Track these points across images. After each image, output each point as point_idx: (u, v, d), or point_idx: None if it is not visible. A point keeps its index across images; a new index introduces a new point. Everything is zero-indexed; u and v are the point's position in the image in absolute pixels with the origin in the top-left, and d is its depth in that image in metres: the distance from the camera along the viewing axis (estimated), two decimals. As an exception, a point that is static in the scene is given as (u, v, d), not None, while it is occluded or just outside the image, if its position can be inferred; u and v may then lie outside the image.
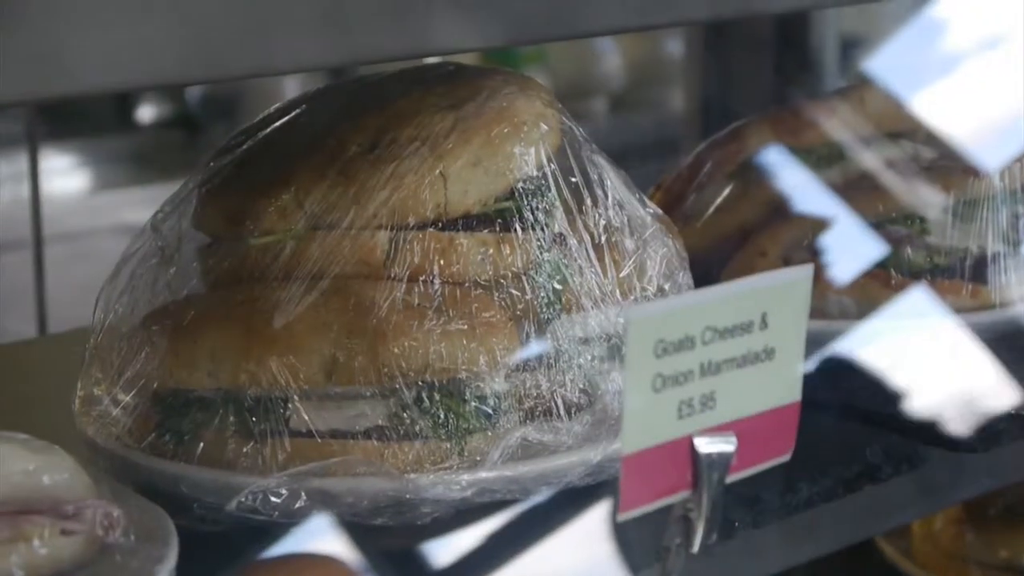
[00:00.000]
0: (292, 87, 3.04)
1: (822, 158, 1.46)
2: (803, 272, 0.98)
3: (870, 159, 1.45)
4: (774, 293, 0.96)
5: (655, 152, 3.43)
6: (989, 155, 1.44)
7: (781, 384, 0.97)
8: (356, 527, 1.06)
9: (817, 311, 1.01)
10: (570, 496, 1.07)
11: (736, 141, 1.47)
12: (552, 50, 3.72)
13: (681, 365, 0.92)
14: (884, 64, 1.61)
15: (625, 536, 1.05)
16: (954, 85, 1.59)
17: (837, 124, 1.46)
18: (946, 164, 1.43)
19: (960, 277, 1.38)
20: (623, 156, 1.21)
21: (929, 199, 1.41)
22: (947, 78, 1.61)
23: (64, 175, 3.00)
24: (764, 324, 0.95)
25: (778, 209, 1.42)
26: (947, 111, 1.57)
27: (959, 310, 1.38)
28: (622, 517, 0.93)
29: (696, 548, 0.95)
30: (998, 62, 1.57)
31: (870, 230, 1.41)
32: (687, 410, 0.93)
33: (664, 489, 0.94)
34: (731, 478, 0.95)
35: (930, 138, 1.48)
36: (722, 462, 0.94)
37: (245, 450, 1.06)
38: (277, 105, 1.23)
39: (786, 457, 0.99)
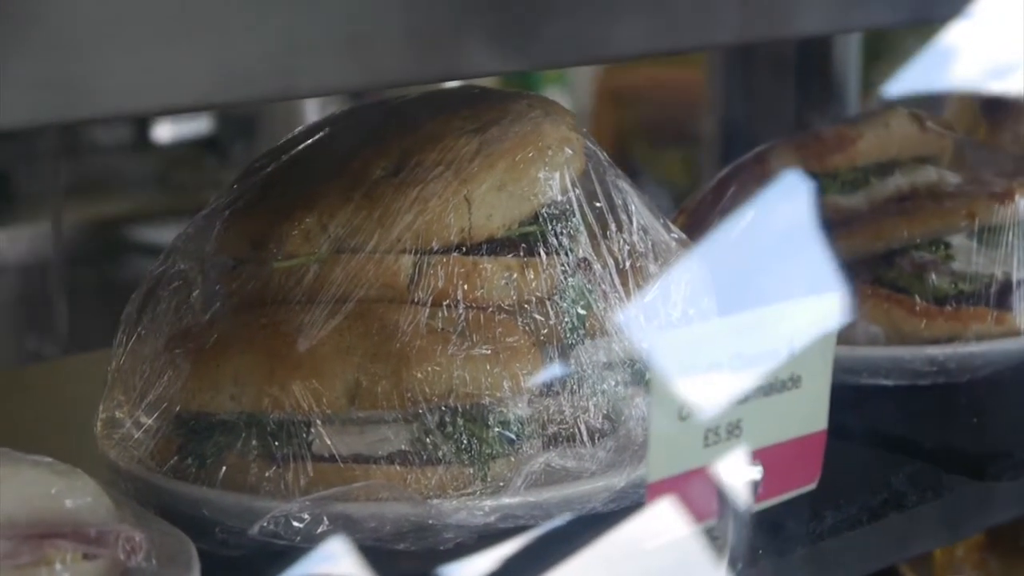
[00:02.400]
0: (312, 109, 3.04)
1: (846, 183, 1.45)
2: (830, 300, 0.97)
3: (894, 184, 1.45)
4: (801, 321, 0.95)
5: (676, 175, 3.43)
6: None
7: (808, 412, 0.96)
8: (377, 551, 1.05)
9: (842, 338, 1.00)
10: (592, 522, 1.07)
11: (760, 165, 1.46)
12: (573, 73, 3.72)
13: (707, 393, 0.92)
14: (907, 88, 1.60)
15: (649, 563, 1.05)
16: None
17: (862, 149, 1.45)
18: (971, 189, 1.43)
19: (985, 304, 1.38)
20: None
21: (954, 225, 1.40)
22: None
23: (86, 194, 3.00)
24: (791, 352, 0.95)
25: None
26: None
27: (984, 337, 1.37)
28: (648, 545, 0.93)
29: (722, 577, 0.95)
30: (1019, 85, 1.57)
31: (894, 256, 1.40)
32: (713, 438, 0.93)
33: (689, 517, 0.93)
34: (757, 507, 0.95)
35: (955, 163, 1.48)
36: (748, 491, 0.93)
37: (267, 474, 1.06)
38: (301, 128, 1.22)
39: (812, 486, 0.98)
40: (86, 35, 0.73)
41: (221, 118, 3.43)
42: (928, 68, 1.63)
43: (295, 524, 1.03)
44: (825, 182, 1.45)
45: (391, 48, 0.83)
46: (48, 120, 0.75)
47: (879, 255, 1.41)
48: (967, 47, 1.61)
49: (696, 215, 1.46)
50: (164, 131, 3.47)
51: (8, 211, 2.55)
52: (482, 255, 1.09)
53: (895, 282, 1.40)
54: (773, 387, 0.94)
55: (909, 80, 1.63)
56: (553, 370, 1.09)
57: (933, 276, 1.39)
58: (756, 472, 0.94)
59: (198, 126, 3.48)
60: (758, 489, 0.94)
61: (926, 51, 1.61)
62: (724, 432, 0.92)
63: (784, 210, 1.42)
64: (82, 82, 0.73)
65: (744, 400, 0.93)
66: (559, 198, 1.12)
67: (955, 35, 1.59)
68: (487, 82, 1.24)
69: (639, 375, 1.11)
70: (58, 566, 0.92)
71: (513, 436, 1.07)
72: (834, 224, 1.41)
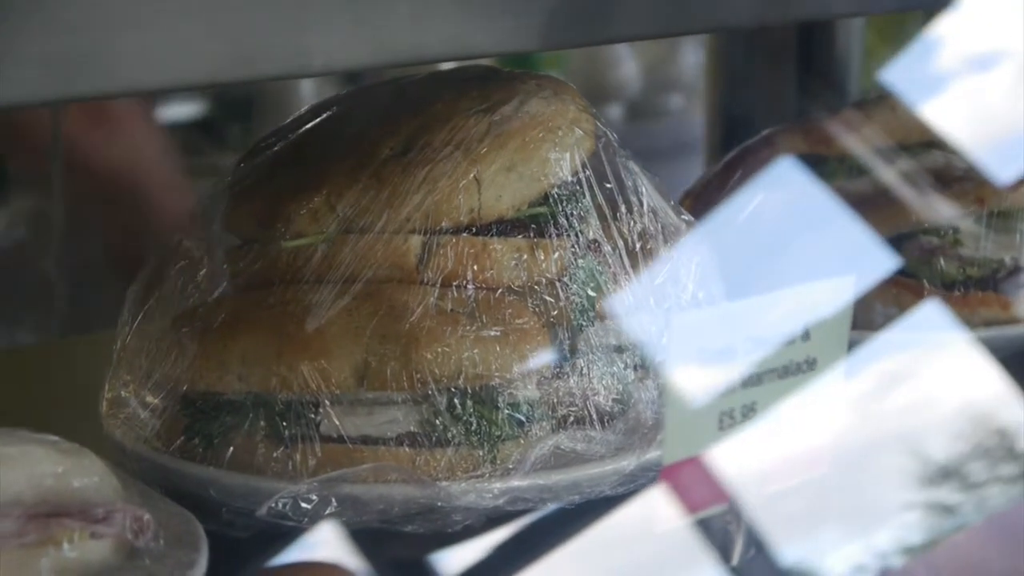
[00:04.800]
0: (309, 92, 3.02)
1: (854, 167, 1.45)
2: (845, 282, 0.97)
3: (903, 168, 1.44)
4: (816, 304, 0.95)
5: (671, 159, 3.42)
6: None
7: (822, 395, 0.96)
8: (384, 533, 1.05)
9: (859, 322, 0.99)
10: (603, 505, 1.06)
11: (768, 148, 1.46)
12: (569, 55, 3.71)
13: (722, 375, 0.91)
14: (912, 73, 1.59)
15: (662, 547, 1.04)
16: (985, 94, 1.58)
17: (869, 133, 1.45)
18: (979, 174, 1.42)
19: (993, 289, 1.37)
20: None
21: (962, 210, 1.39)
22: (978, 87, 1.60)
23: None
24: (806, 335, 0.94)
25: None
26: (979, 121, 1.56)
27: (992, 323, 1.36)
28: (661, 528, 0.92)
29: (735, 561, 0.94)
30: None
31: (902, 240, 1.40)
32: (728, 421, 0.92)
33: (703, 501, 0.92)
34: (771, 490, 0.94)
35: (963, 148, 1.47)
36: (763, 473, 0.93)
37: (275, 455, 1.05)
38: (308, 107, 1.22)
39: (827, 470, 0.98)
40: (98, 11, 0.72)
41: (218, 100, 3.42)
42: (934, 51, 1.63)
43: (303, 505, 1.02)
44: (832, 166, 1.44)
45: (399, 25, 0.82)
46: (60, 97, 0.74)
47: (887, 240, 1.40)
48: (967, 34, 1.60)
49: (703, 198, 1.46)
50: (161, 113, 3.45)
51: (5, 191, 2.54)
52: (492, 236, 1.09)
53: (903, 267, 1.39)
54: (788, 370, 0.94)
55: (910, 66, 1.63)
56: (563, 352, 1.08)
57: (941, 261, 1.38)
58: (770, 456, 0.93)
59: (194, 108, 3.46)
60: (773, 473, 0.93)
61: (927, 37, 1.61)
62: (739, 415, 0.92)
63: (791, 193, 1.41)
64: (94, 58, 0.73)
65: (759, 383, 0.93)
66: (569, 179, 1.11)
67: (956, 21, 1.59)
68: (488, 63, 1.24)
69: (649, 358, 1.10)
70: (65, 546, 0.92)
71: (522, 418, 1.06)
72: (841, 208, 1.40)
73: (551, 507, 1.06)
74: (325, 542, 1.04)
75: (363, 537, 1.04)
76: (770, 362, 0.93)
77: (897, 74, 1.59)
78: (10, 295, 1.78)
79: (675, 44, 3.90)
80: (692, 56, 3.86)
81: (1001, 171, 1.43)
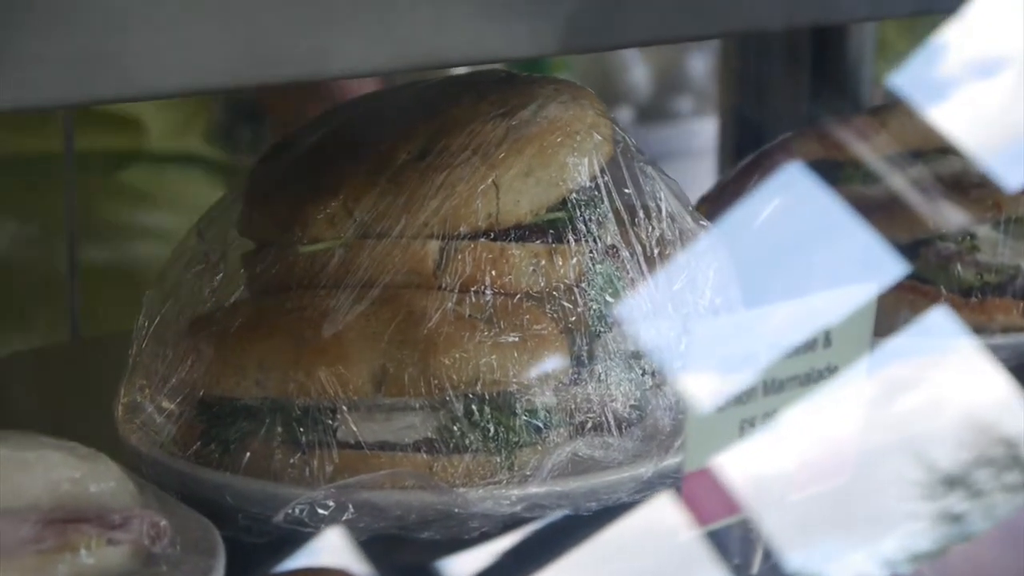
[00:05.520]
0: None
1: (870, 173, 1.44)
2: (867, 289, 0.96)
3: (919, 174, 1.44)
4: (837, 311, 0.94)
5: (680, 162, 3.41)
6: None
7: (844, 403, 0.95)
8: (398, 539, 1.04)
9: (881, 328, 0.99)
10: (622, 512, 1.06)
11: (784, 154, 1.45)
12: (578, 58, 3.71)
13: (743, 382, 0.91)
14: (926, 79, 1.59)
15: (676, 554, 1.04)
16: (1000, 98, 1.58)
17: (885, 139, 1.44)
18: (996, 180, 1.42)
19: (1011, 295, 1.37)
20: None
21: (979, 215, 1.39)
22: (992, 91, 1.60)
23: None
24: (828, 342, 0.94)
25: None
26: (995, 126, 1.55)
27: (1010, 329, 1.36)
28: (678, 535, 0.92)
29: (755, 570, 0.94)
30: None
31: (919, 246, 1.39)
32: (749, 428, 0.91)
33: (724, 509, 0.92)
34: (792, 498, 0.94)
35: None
36: (783, 481, 0.93)
37: (292, 461, 1.05)
38: (325, 111, 1.21)
39: (848, 477, 0.97)
40: (114, 13, 0.72)
41: (228, 103, 3.41)
42: (944, 59, 1.62)
43: (320, 512, 1.02)
44: (849, 171, 1.44)
45: (419, 29, 0.82)
46: (75, 100, 0.74)
47: (903, 245, 1.40)
48: (981, 38, 1.60)
49: (719, 204, 1.45)
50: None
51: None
52: (510, 241, 1.08)
53: (920, 273, 1.39)
54: (810, 377, 0.93)
55: (923, 71, 1.62)
56: (580, 358, 1.08)
57: (958, 267, 1.38)
58: (792, 463, 0.92)
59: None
60: (794, 480, 0.93)
61: (940, 42, 1.60)
62: (760, 422, 0.91)
63: (807, 199, 1.41)
64: (110, 62, 0.72)
65: (780, 390, 0.92)
66: (587, 184, 1.11)
67: (969, 25, 1.58)
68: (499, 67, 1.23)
69: (667, 364, 1.10)
70: (83, 551, 0.91)
71: (540, 425, 1.06)
72: (857, 214, 1.39)
73: (566, 513, 1.06)
74: (340, 548, 1.03)
75: (378, 543, 1.03)
76: (791, 369, 0.93)
77: (911, 79, 1.59)
78: (24, 296, 1.78)
79: (685, 48, 3.90)
80: (702, 60, 3.86)
81: (1017, 177, 1.42)
